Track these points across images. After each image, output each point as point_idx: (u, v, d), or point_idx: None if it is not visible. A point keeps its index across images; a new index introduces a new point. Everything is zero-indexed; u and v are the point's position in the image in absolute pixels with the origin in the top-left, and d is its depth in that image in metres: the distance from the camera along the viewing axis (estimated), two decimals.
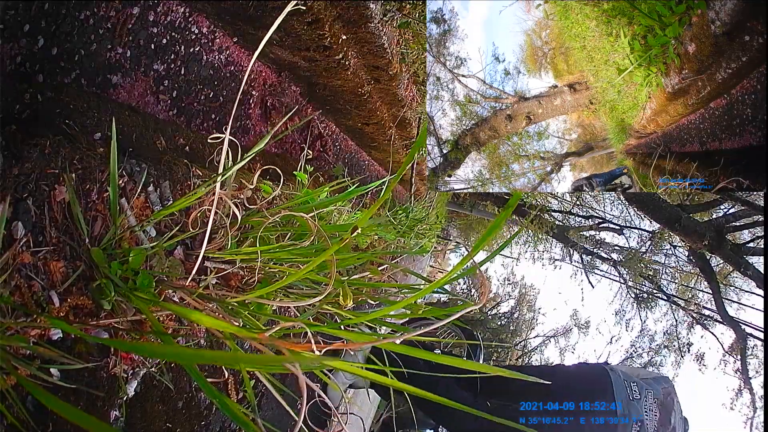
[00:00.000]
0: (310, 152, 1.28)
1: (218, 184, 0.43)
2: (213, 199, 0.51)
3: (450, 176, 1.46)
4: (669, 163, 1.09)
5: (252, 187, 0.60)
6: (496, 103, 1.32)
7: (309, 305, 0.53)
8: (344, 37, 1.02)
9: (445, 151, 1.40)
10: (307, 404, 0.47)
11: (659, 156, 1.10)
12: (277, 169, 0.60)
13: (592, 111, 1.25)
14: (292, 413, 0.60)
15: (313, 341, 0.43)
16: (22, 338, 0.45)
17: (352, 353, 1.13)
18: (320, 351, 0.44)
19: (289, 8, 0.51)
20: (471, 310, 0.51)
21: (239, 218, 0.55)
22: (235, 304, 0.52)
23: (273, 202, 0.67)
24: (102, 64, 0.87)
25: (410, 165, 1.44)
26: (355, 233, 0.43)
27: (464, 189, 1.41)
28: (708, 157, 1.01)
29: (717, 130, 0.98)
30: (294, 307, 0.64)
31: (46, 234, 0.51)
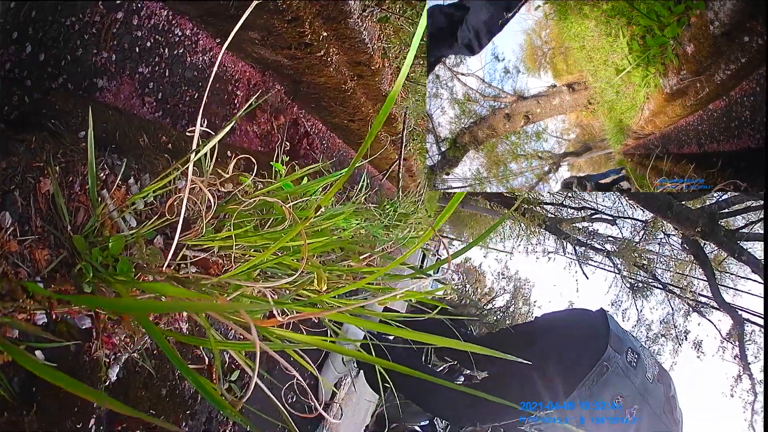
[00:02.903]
0: (299, 148, 1.33)
1: (191, 165, 0.48)
2: (189, 186, 0.56)
3: (448, 174, 1.50)
4: (666, 165, 1.12)
5: (228, 176, 0.65)
6: (495, 101, 1.37)
7: (279, 286, 0.58)
8: (325, 33, 1.08)
9: (443, 149, 1.45)
10: (292, 389, 0.51)
11: (657, 157, 1.13)
12: (251, 158, 0.65)
13: (590, 111, 1.29)
14: (276, 401, 0.64)
15: (279, 315, 0.48)
16: (9, 319, 0.50)
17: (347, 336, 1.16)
18: (284, 324, 0.49)
19: (254, 4, 0.56)
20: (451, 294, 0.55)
21: (214, 205, 0.60)
22: (209, 285, 0.56)
23: (251, 194, 0.72)
24: (88, 69, 0.93)
25: (398, 161, 1.50)
26: (320, 211, 0.48)
27: (462, 187, 1.45)
28: (706, 159, 1.04)
29: (715, 132, 1.01)
30: (275, 294, 0.69)
31: (32, 224, 0.57)
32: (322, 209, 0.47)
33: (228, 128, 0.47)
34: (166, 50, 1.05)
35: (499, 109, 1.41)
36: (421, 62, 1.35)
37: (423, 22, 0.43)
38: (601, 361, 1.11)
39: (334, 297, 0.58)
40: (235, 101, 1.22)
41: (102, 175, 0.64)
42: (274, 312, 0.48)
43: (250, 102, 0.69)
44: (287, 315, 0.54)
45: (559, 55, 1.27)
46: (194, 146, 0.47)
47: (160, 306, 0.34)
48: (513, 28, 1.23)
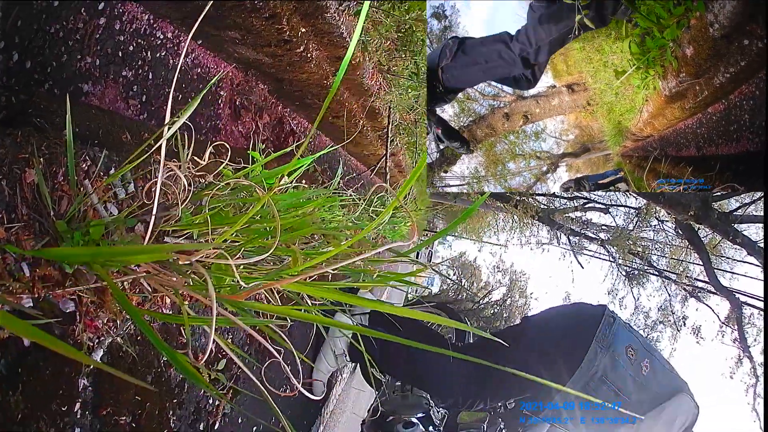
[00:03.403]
0: (285, 147, 1.38)
1: (163, 141, 0.52)
2: (166, 171, 0.60)
3: (446, 172, 1.54)
4: (665, 167, 1.15)
5: (204, 163, 0.69)
6: (494, 101, 1.42)
7: (252, 263, 0.61)
8: (303, 30, 1.13)
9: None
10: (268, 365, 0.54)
11: (655, 159, 1.16)
12: (226, 144, 0.70)
13: (589, 112, 1.33)
14: (262, 388, 0.67)
15: (239, 281, 0.51)
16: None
17: (338, 332, 1.19)
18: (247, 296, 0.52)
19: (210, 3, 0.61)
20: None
21: (190, 189, 0.65)
22: (186, 266, 0.60)
23: (227, 178, 0.77)
24: (73, 74, 1.00)
25: (384, 156, 1.54)
26: (284, 179, 0.51)
27: (459, 185, 1.49)
28: (704, 162, 1.06)
29: (714, 135, 1.04)
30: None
31: (18, 212, 0.61)
32: (286, 178, 0.51)
33: (195, 104, 0.51)
34: (149, 53, 1.11)
35: (498, 109, 1.45)
36: (403, 56, 1.41)
37: (365, 8, 0.47)
38: (606, 315, 1.16)
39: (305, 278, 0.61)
40: (219, 101, 1.28)
41: (84, 166, 0.69)
42: (238, 279, 0.52)
43: (210, 83, 0.74)
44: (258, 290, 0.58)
45: (559, 56, 1.31)
46: (167, 121, 0.51)
47: (117, 252, 0.38)
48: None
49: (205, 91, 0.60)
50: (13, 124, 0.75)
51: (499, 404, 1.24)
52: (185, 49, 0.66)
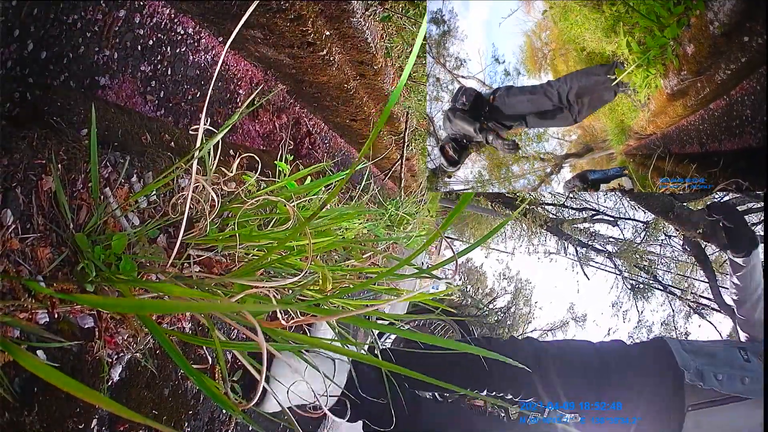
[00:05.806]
0: (301, 148, 1.32)
1: (194, 162, 0.47)
2: (194, 185, 0.55)
3: (450, 177, 1.49)
4: (668, 165, 1.12)
5: (232, 174, 0.64)
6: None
7: (284, 285, 0.57)
8: (327, 33, 1.07)
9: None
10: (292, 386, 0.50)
11: (658, 157, 1.12)
12: (255, 156, 0.64)
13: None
14: (278, 402, 0.63)
15: (282, 315, 0.47)
16: (11, 318, 0.49)
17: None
18: (288, 326, 0.48)
19: (254, 4, 0.55)
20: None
21: (218, 204, 0.59)
22: (212, 285, 0.55)
23: (254, 193, 0.71)
24: (90, 66, 0.92)
25: (400, 161, 1.49)
26: (325, 208, 0.47)
27: (464, 190, 1.45)
28: (707, 159, 1.03)
29: (716, 132, 1.00)
30: (278, 293, 0.68)
31: (34, 221, 0.55)
32: (327, 207, 0.46)
33: (230, 125, 0.46)
34: (168, 48, 1.03)
35: None
36: (424, 62, 1.34)
37: (425, 23, 0.42)
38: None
39: (342, 297, 0.57)
40: (237, 100, 1.21)
41: (104, 172, 0.63)
42: (278, 312, 0.47)
43: (252, 97, 0.68)
44: (291, 315, 0.53)
45: (559, 57, 1.26)
46: (198, 144, 0.46)
47: (164, 306, 0.33)
48: (513, 29, 1.23)
49: (245, 108, 0.54)
50: (27, 123, 0.69)
51: (503, 416, 1.22)
52: (222, 57, 0.60)
